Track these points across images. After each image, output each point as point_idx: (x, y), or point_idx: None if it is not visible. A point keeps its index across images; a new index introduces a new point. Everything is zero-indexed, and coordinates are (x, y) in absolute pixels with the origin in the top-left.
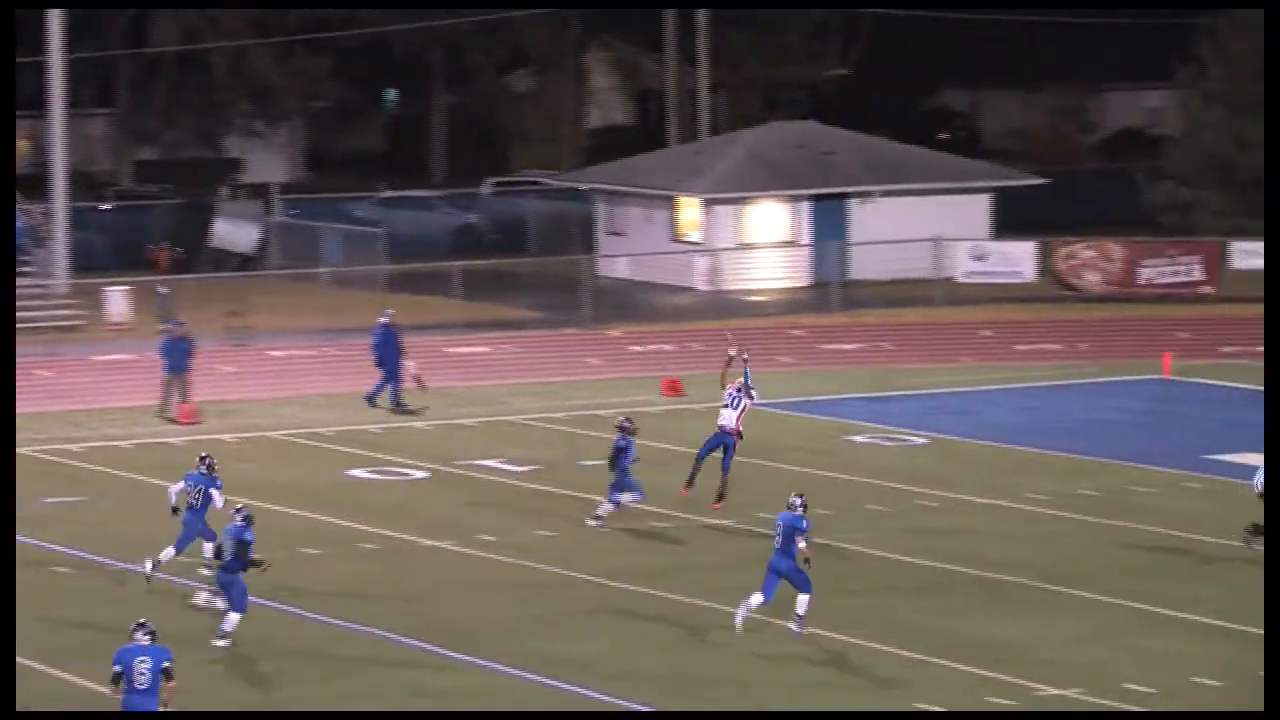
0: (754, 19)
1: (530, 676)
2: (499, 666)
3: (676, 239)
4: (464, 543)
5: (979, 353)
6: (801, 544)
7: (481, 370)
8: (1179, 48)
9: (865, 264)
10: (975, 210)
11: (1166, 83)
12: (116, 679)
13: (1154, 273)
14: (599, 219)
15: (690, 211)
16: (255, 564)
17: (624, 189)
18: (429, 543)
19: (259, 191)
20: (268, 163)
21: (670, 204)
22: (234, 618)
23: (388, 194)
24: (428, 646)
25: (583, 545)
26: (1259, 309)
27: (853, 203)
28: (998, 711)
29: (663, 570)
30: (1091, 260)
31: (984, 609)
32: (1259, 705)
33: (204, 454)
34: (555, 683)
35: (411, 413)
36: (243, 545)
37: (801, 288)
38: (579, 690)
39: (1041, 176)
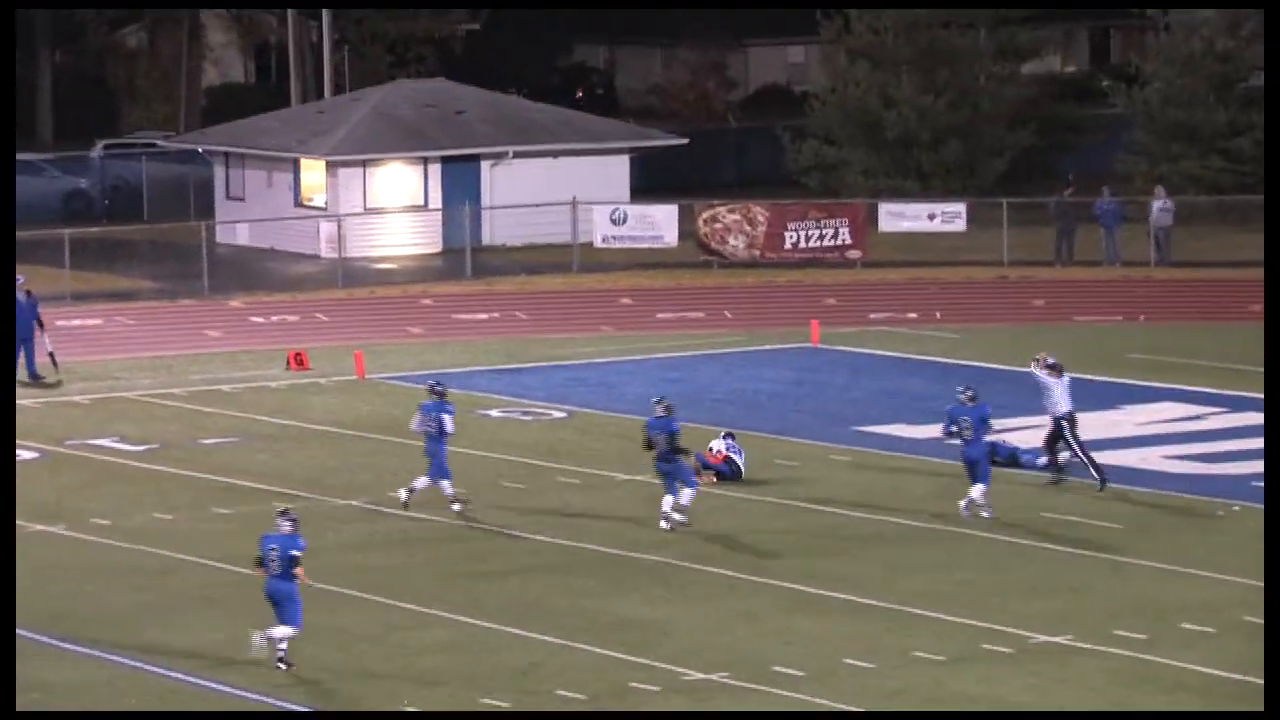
0: None
1: (147, 667)
2: (113, 657)
3: (300, 204)
4: (76, 527)
5: (619, 322)
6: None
7: (93, 344)
8: None
9: (499, 229)
10: (614, 172)
11: (810, 37)
12: (259, 562)
13: (800, 236)
14: (218, 183)
15: (314, 174)
16: (684, 451)
17: (244, 151)
18: (39, 527)
19: None
20: None
21: (293, 166)
22: (689, 493)
23: None
24: (38, 637)
25: (201, 529)
26: (906, 273)
27: (485, 164)
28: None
29: None
30: (735, 224)
31: (626, 590)
32: (910, 681)
33: (435, 383)
34: (172, 673)
35: (48, 386)
36: (673, 435)
37: (432, 254)
38: (194, 681)
39: (682, 136)
